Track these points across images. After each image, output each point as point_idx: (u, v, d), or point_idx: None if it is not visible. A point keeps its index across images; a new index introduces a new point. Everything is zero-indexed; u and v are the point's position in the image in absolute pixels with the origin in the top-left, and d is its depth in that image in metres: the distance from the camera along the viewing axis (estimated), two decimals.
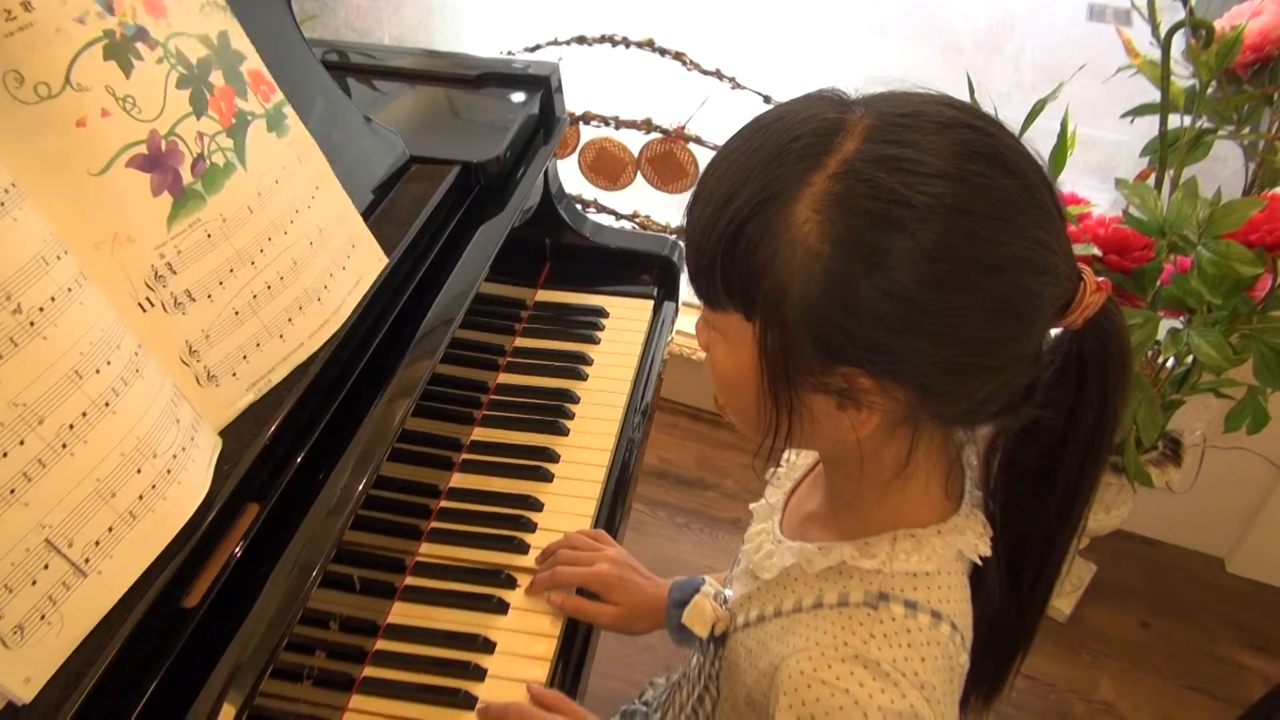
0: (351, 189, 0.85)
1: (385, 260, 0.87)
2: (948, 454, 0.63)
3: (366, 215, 0.94)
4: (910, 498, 0.63)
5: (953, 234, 0.50)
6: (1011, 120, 0.57)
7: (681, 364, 2.07)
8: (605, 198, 1.90)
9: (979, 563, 0.64)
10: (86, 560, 0.57)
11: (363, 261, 0.85)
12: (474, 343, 1.10)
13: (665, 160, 1.79)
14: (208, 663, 0.62)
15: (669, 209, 1.91)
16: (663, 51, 1.72)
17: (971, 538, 0.63)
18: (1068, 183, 1.57)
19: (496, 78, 1.19)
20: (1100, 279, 0.55)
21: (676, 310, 1.33)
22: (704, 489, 2.02)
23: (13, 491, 0.54)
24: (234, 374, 0.73)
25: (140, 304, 0.66)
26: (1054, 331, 0.58)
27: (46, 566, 0.55)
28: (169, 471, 0.63)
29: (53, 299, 0.58)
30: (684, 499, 2.00)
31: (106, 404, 0.59)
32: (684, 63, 1.71)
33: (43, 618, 0.55)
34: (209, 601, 0.63)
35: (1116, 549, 1.87)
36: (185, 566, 0.63)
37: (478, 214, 1.04)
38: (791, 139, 0.53)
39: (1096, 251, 1.40)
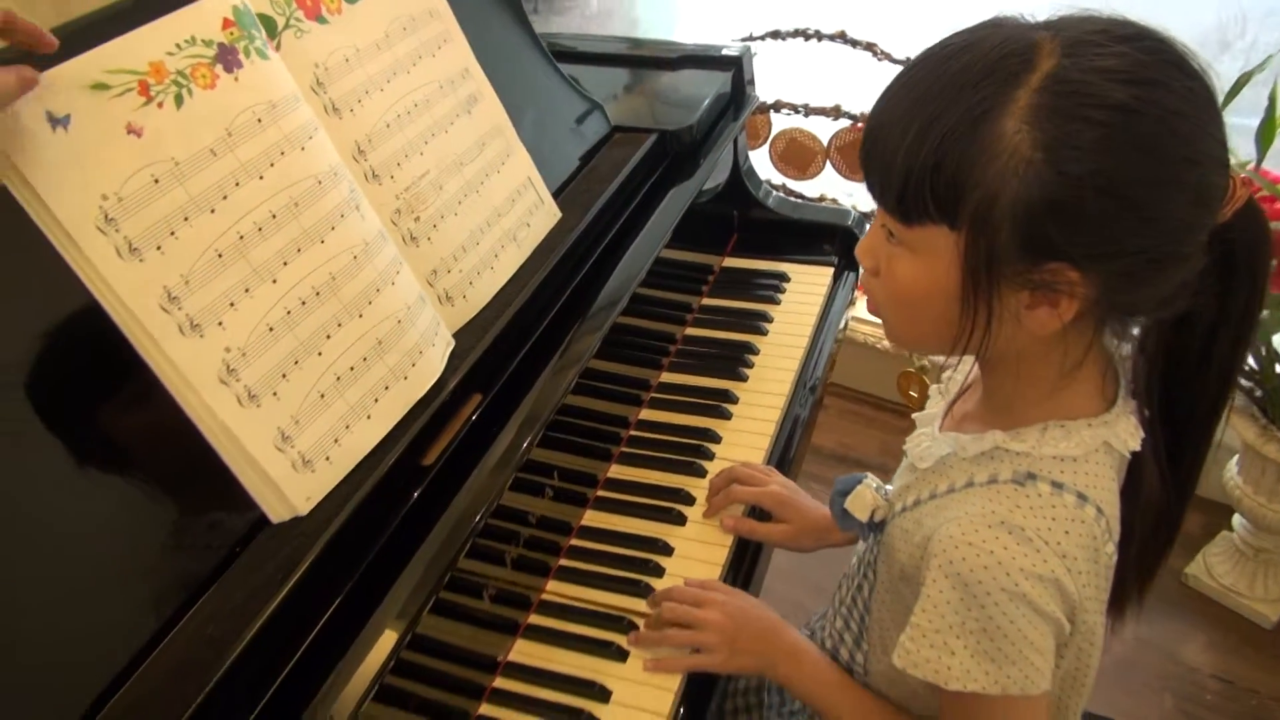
0: (560, 154, 0.98)
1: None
2: (1104, 355, 0.68)
3: (573, 177, 1.08)
4: (1068, 395, 0.68)
5: (1159, 131, 0.56)
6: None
7: (864, 352, 2.11)
8: (792, 184, 1.98)
9: (1127, 455, 0.68)
10: (362, 405, 0.72)
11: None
12: (664, 300, 1.22)
13: (854, 148, 1.85)
14: (437, 511, 0.76)
15: (855, 194, 1.96)
16: (854, 43, 1.79)
17: (1122, 432, 0.67)
18: None
19: (693, 60, 1.30)
20: (1243, 175, 0.60)
21: (857, 280, 1.39)
22: (885, 474, 2.04)
23: (316, 349, 0.70)
24: (464, 296, 0.87)
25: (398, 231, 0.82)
26: None
27: (330, 407, 0.70)
28: (420, 351, 0.78)
29: (352, 191, 0.74)
30: None
31: (392, 283, 0.75)
32: (875, 53, 1.77)
33: (324, 452, 0.70)
34: (441, 461, 0.77)
35: None
36: (423, 433, 0.77)
37: (671, 178, 1.16)
38: (994, 60, 0.58)
39: None
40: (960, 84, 0.58)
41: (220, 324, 0.64)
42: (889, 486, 0.83)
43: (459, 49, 0.92)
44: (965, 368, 0.80)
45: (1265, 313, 1.44)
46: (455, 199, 0.87)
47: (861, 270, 0.72)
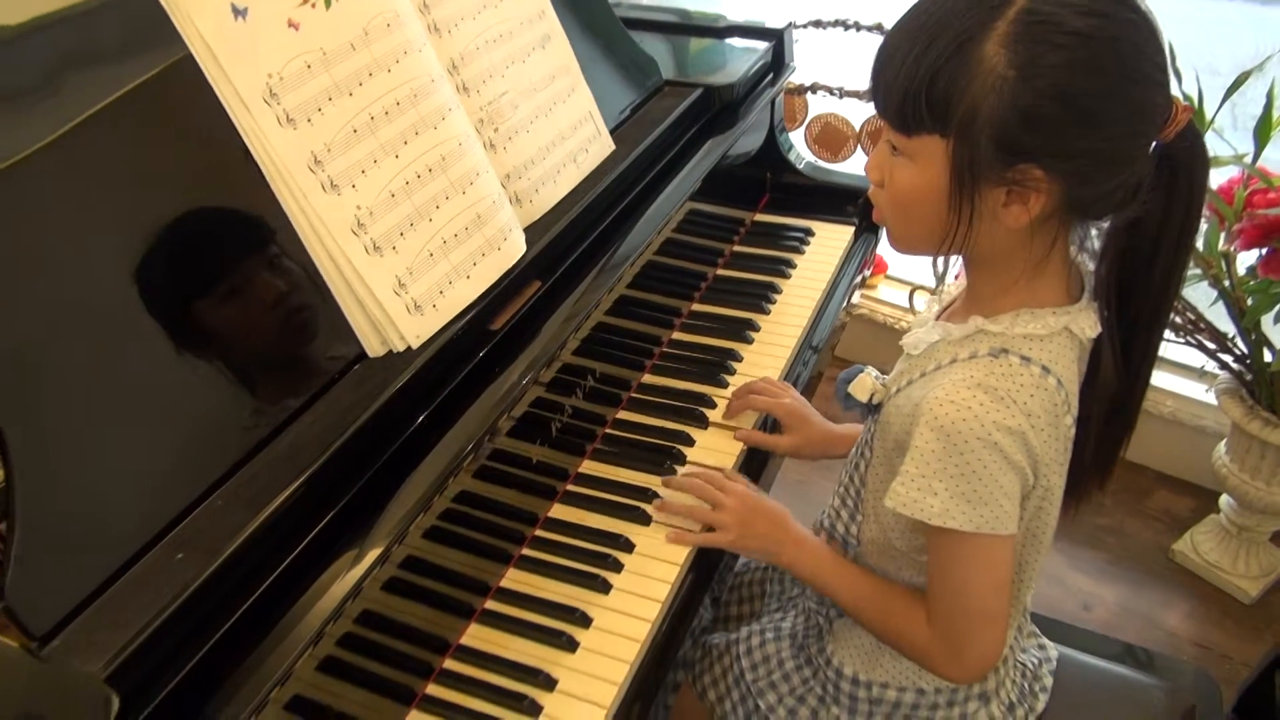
0: (617, 97, 1.13)
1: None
2: (1068, 259, 0.82)
3: (627, 118, 1.23)
4: (1037, 288, 0.81)
5: (1106, 54, 0.70)
6: None
7: (885, 333, 2.24)
8: (825, 166, 2.11)
9: (1086, 342, 0.82)
10: (464, 266, 0.87)
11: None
12: (701, 246, 1.36)
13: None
14: (499, 370, 0.91)
15: None
16: None
17: (1082, 321, 0.81)
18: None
19: (739, 30, 1.46)
20: (1185, 104, 0.73)
21: (876, 243, 1.52)
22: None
23: (428, 215, 0.85)
24: (530, 200, 1.02)
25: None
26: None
27: (437, 265, 0.85)
28: (510, 229, 0.93)
29: (454, 93, 0.90)
30: None
31: (487, 172, 0.91)
32: None
33: (432, 300, 0.85)
34: (505, 328, 0.92)
35: None
36: (495, 301, 0.92)
37: (711, 129, 1.30)
38: None
39: None
40: (951, 16, 0.73)
41: (354, 186, 0.79)
42: (886, 376, 0.96)
43: None
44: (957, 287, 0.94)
45: (1255, 297, 1.56)
46: (528, 119, 1.02)
47: (871, 186, 0.86)
